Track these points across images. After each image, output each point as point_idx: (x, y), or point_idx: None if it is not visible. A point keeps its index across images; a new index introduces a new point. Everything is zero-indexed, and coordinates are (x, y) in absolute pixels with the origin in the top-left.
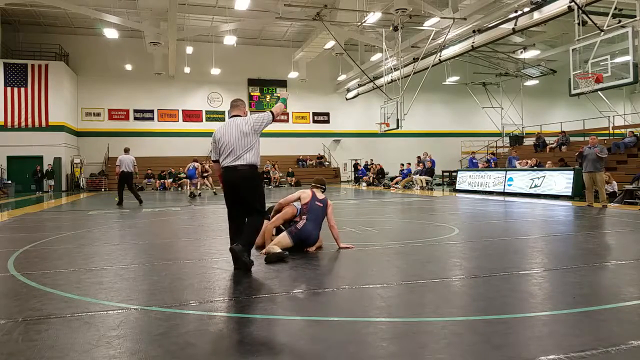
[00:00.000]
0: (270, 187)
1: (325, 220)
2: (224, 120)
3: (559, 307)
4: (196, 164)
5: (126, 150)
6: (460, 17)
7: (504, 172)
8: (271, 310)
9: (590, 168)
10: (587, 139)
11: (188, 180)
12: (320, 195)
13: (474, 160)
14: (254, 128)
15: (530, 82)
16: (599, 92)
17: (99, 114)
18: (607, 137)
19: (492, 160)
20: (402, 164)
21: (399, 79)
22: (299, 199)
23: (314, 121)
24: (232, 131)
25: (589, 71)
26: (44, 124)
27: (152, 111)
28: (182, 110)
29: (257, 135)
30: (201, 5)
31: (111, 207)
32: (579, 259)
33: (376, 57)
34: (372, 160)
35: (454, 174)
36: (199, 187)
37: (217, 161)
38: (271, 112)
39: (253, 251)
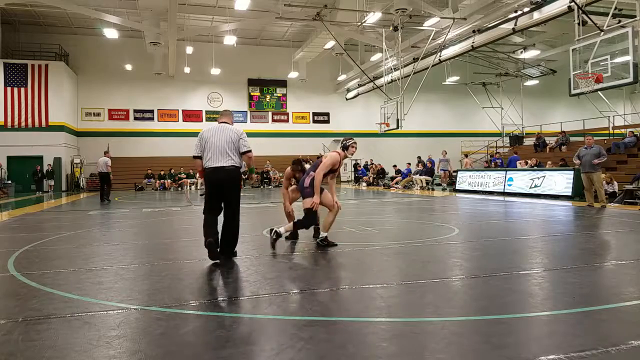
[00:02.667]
0: (270, 187)
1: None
2: None
3: (559, 307)
4: None
5: (105, 153)
6: (460, 17)
7: (504, 172)
8: (271, 310)
9: (587, 169)
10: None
11: (188, 181)
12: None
13: (518, 161)
14: (239, 142)
15: (530, 82)
16: (599, 92)
17: (99, 114)
18: (607, 137)
19: (497, 160)
20: (395, 165)
21: (399, 79)
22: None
23: (314, 121)
24: (221, 135)
25: (589, 71)
26: (44, 124)
27: (152, 111)
28: (182, 110)
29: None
30: (201, 5)
31: (111, 207)
32: (579, 259)
33: (376, 57)
34: (372, 160)
35: (454, 174)
36: (199, 186)
37: (199, 157)
38: (250, 150)
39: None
